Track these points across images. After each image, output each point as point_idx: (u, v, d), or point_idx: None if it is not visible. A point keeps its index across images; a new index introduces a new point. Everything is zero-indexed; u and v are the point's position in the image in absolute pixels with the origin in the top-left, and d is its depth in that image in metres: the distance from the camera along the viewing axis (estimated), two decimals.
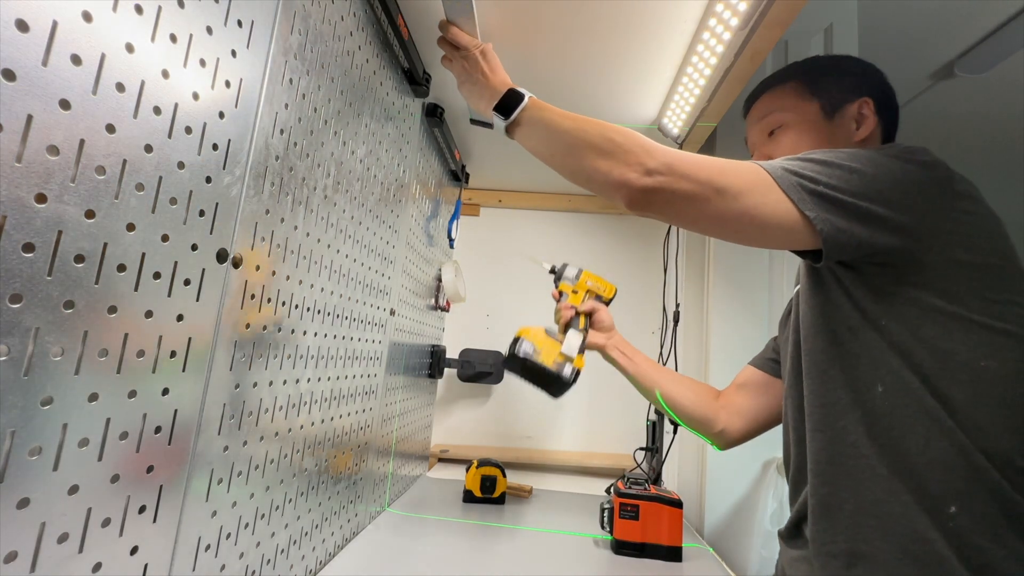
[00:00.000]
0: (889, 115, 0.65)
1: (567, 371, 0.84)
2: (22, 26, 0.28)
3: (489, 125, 0.93)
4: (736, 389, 0.83)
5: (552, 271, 1.02)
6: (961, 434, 0.47)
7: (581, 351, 0.88)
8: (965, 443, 0.47)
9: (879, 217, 0.49)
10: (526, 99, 0.65)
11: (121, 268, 0.35)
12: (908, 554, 0.47)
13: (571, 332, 0.90)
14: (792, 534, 0.61)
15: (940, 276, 0.50)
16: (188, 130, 0.41)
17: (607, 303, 0.99)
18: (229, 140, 0.46)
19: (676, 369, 1.23)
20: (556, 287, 1.00)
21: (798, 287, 0.63)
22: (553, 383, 0.85)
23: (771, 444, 0.80)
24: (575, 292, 0.98)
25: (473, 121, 0.92)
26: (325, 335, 0.69)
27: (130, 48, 0.35)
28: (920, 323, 0.50)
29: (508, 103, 0.66)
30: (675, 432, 1.15)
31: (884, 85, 0.65)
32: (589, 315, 0.94)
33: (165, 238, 0.39)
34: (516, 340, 0.87)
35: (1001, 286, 0.50)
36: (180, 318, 0.41)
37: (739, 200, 0.50)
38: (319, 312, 0.66)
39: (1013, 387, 0.48)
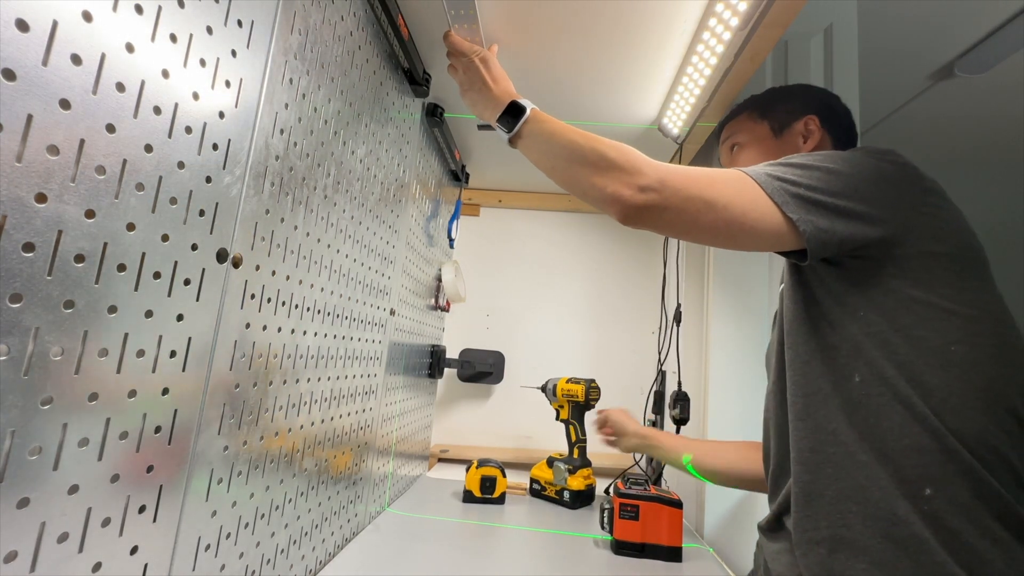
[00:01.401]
0: (838, 128, 0.72)
1: (566, 496, 1.11)
2: (22, 26, 0.28)
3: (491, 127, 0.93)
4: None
5: (542, 389, 1.23)
6: (935, 419, 0.49)
7: (573, 472, 1.11)
8: (939, 427, 0.49)
9: (857, 213, 0.52)
10: (528, 112, 0.66)
11: (121, 268, 0.35)
12: (889, 537, 0.49)
13: (556, 465, 1.14)
14: (773, 527, 0.62)
15: (914, 267, 0.53)
16: (188, 130, 0.41)
17: (585, 404, 1.15)
18: (229, 140, 0.46)
19: (679, 368, 1.23)
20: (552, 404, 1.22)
21: (783, 285, 0.65)
22: (564, 506, 1.11)
23: None
24: (561, 407, 1.17)
25: (480, 127, 0.92)
26: (325, 335, 0.69)
27: (130, 48, 0.35)
28: (896, 312, 0.52)
29: (511, 115, 0.67)
30: (677, 432, 1.15)
31: (830, 103, 0.73)
32: (574, 423, 1.15)
33: (165, 238, 0.39)
34: (530, 481, 1.17)
35: (969, 274, 0.53)
36: (180, 318, 0.41)
37: (728, 210, 0.52)
38: (319, 312, 0.66)
39: (983, 370, 0.50)
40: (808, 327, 0.58)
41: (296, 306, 0.60)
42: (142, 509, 0.39)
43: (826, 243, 0.52)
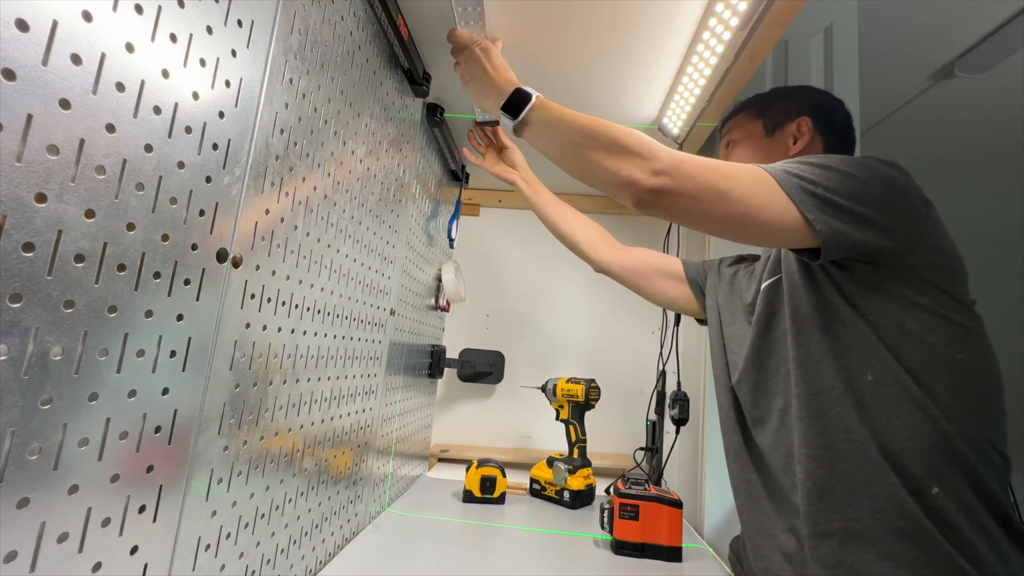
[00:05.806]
0: (833, 133, 0.72)
1: (566, 496, 1.11)
2: (22, 26, 0.28)
3: (496, 122, 0.93)
4: (644, 253, 0.93)
5: (542, 388, 1.23)
6: (945, 422, 0.52)
7: (573, 472, 1.12)
8: (948, 430, 0.51)
9: (871, 220, 0.53)
10: (534, 98, 0.66)
11: (121, 268, 0.35)
12: (897, 530, 0.51)
13: (556, 465, 1.15)
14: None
15: (920, 276, 0.55)
16: (188, 130, 0.41)
17: (585, 404, 1.16)
18: (229, 140, 0.46)
19: (678, 369, 1.23)
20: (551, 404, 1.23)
21: (768, 282, 0.67)
22: (564, 506, 1.11)
23: None
24: (561, 407, 1.19)
25: (479, 123, 0.92)
26: (325, 335, 0.69)
27: (130, 48, 0.35)
28: (904, 318, 0.54)
29: (515, 102, 0.67)
30: (677, 432, 1.15)
31: (829, 105, 0.74)
32: (574, 423, 1.16)
33: (165, 238, 0.39)
34: (530, 480, 1.17)
35: (961, 288, 0.55)
36: (180, 318, 0.41)
37: (742, 202, 0.53)
38: (319, 312, 0.66)
39: (981, 379, 0.54)
40: (821, 326, 0.58)
41: (296, 306, 0.60)
42: (142, 509, 0.39)
43: (840, 245, 0.53)
